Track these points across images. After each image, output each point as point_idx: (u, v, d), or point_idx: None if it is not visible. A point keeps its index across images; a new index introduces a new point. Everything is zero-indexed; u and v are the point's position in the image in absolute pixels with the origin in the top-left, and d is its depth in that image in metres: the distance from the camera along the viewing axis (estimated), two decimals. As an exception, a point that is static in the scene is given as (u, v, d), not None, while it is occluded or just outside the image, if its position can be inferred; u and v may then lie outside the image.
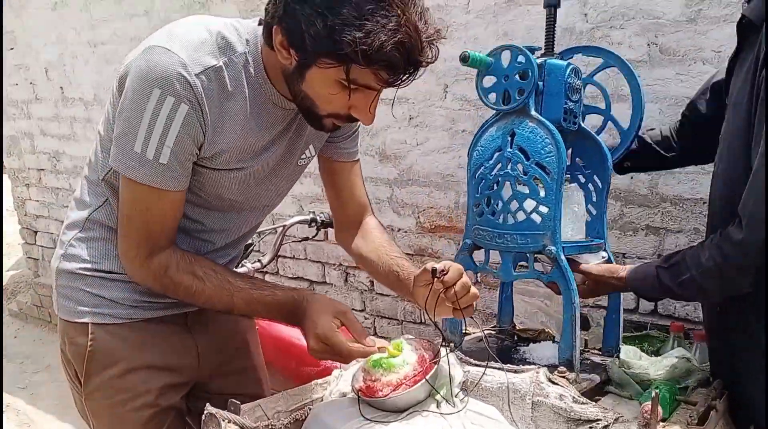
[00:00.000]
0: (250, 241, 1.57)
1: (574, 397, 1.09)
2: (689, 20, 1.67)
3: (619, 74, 1.47)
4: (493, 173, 1.27)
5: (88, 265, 1.16)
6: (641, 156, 1.47)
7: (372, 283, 2.62)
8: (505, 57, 1.27)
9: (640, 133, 1.46)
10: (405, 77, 0.95)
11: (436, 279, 1.01)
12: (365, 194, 1.36)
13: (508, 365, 1.20)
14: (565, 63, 1.27)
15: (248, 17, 1.09)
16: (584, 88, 1.35)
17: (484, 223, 1.28)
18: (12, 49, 4.06)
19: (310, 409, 1.12)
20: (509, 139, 1.25)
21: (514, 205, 1.24)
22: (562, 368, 1.17)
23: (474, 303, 1.06)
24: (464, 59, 1.20)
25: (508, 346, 1.43)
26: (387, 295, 2.57)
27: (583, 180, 1.40)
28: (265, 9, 1.00)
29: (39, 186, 4.26)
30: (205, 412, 0.99)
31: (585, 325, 1.57)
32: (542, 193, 1.21)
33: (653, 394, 0.90)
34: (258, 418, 1.04)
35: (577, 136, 1.36)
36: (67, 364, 1.22)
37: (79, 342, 1.16)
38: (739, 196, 1.04)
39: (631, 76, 1.40)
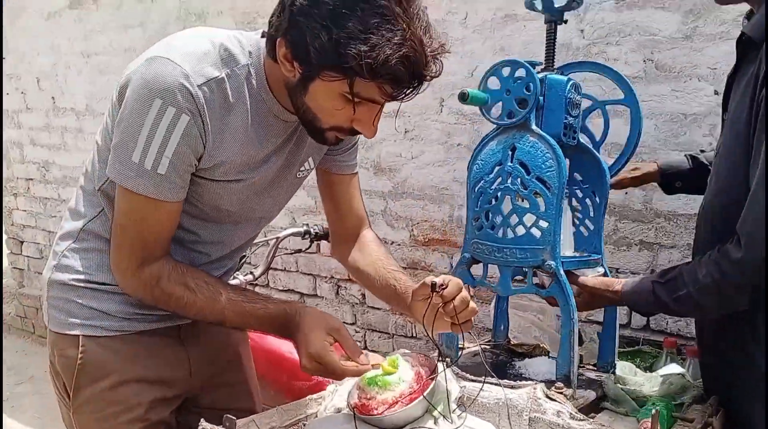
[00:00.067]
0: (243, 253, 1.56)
1: (571, 414, 1.08)
2: (685, 37, 1.69)
3: (615, 90, 1.48)
4: (493, 187, 1.27)
5: (81, 277, 1.14)
6: (696, 176, 1.43)
7: (363, 296, 2.60)
8: (506, 71, 1.27)
9: (693, 154, 1.45)
10: (409, 91, 0.95)
11: (435, 293, 1.00)
12: (363, 207, 1.35)
13: (505, 381, 1.20)
14: (565, 78, 1.28)
15: (245, 30, 1.09)
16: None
17: (483, 237, 1.28)
18: (4, 58, 4.04)
19: (304, 425, 1.11)
20: (510, 153, 1.25)
21: (514, 219, 1.23)
22: (559, 384, 1.16)
23: (472, 318, 1.05)
24: (463, 97, 1.21)
25: (503, 361, 1.42)
26: (378, 309, 2.55)
27: (580, 195, 1.40)
28: (269, 22, 0.99)
29: (27, 196, 4.22)
30: (200, 427, 0.97)
31: (578, 340, 1.56)
32: (542, 208, 1.20)
33: (653, 411, 0.89)
34: (252, 434, 1.02)
35: (576, 152, 1.36)
36: (55, 377, 1.19)
37: (69, 354, 1.14)
38: (735, 212, 1.04)
39: (629, 91, 1.40)
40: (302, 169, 1.21)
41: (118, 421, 1.14)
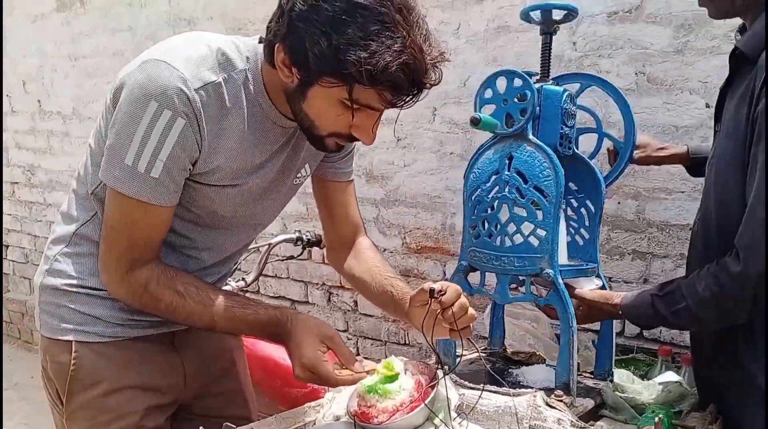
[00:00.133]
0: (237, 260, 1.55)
1: (572, 421, 1.09)
2: (677, 51, 1.72)
3: (607, 102, 1.50)
4: (490, 196, 1.27)
5: (74, 282, 1.12)
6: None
7: (355, 303, 2.60)
8: (502, 81, 1.28)
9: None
10: (408, 98, 0.96)
11: (433, 299, 0.99)
12: (359, 214, 1.35)
13: (505, 388, 1.20)
14: (561, 89, 1.29)
15: (235, 35, 1.09)
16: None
17: (481, 245, 1.28)
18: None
19: (302, 433, 1.10)
20: (507, 162, 1.25)
21: (512, 227, 1.24)
22: (558, 392, 1.17)
23: (471, 324, 1.04)
24: (475, 122, 1.21)
25: (500, 369, 1.42)
26: (371, 316, 2.55)
27: (575, 204, 1.41)
28: (267, 27, 0.99)
29: (12, 199, 4.15)
30: (199, 435, 0.96)
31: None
32: (540, 217, 1.21)
33: (656, 419, 0.90)
34: (251, 442, 1.02)
35: (571, 161, 1.37)
36: (48, 383, 1.18)
37: (62, 360, 1.12)
38: (732, 225, 1.05)
39: (623, 103, 1.42)
40: (299, 175, 1.20)
41: (112, 428, 1.13)
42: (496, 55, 2.07)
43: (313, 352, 1.01)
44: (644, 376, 1.46)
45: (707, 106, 1.68)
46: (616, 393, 1.23)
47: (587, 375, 1.39)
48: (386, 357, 1.09)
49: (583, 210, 1.40)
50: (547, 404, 1.13)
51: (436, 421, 1.04)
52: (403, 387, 1.03)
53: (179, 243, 1.13)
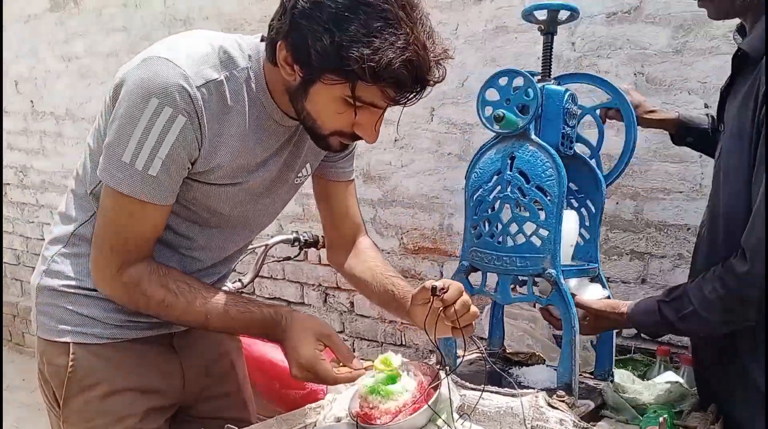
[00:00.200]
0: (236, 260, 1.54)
1: (574, 422, 1.08)
2: (675, 51, 1.72)
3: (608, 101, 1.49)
4: (492, 196, 1.27)
5: (72, 282, 1.11)
6: (709, 137, 1.44)
7: (351, 304, 2.59)
8: (504, 81, 1.28)
9: (714, 115, 1.45)
10: (412, 96, 0.95)
11: (435, 297, 0.98)
12: (359, 214, 1.34)
13: (506, 389, 1.19)
14: (563, 89, 1.29)
15: (237, 34, 1.08)
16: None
17: (483, 245, 1.28)
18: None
19: (303, 435, 1.09)
20: (509, 162, 1.25)
21: (514, 227, 1.23)
22: (560, 392, 1.17)
23: (474, 322, 1.03)
24: (498, 119, 1.20)
25: (500, 370, 1.42)
26: (367, 317, 2.54)
27: (576, 204, 1.41)
28: (269, 25, 0.98)
29: (3, 200, 4.11)
30: (201, 436, 0.95)
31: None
32: (542, 217, 1.21)
33: (660, 419, 0.90)
34: (253, 444, 1.01)
35: (571, 161, 1.37)
36: (44, 385, 1.16)
37: (59, 362, 1.11)
38: (739, 227, 1.05)
39: (624, 103, 1.42)
40: (300, 175, 1.19)
41: None
42: (494, 55, 2.07)
43: (310, 351, 1.00)
44: (642, 377, 1.46)
45: (706, 106, 1.69)
46: (617, 393, 1.23)
47: (587, 375, 1.38)
48: (397, 355, 1.08)
49: (583, 210, 1.40)
50: (549, 405, 1.13)
51: (439, 422, 1.03)
52: (406, 388, 1.03)
53: (179, 243, 1.12)
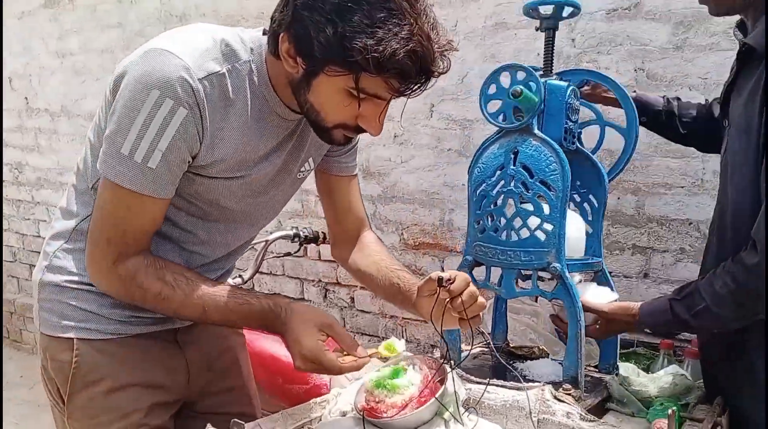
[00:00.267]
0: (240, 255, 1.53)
1: (581, 415, 1.09)
2: (676, 48, 1.73)
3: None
4: (495, 190, 1.27)
5: (75, 278, 1.10)
6: (662, 118, 1.47)
7: (352, 299, 2.59)
8: (507, 75, 1.28)
9: (670, 98, 1.48)
10: (416, 87, 0.94)
11: (441, 288, 0.97)
12: (363, 209, 1.34)
13: (512, 383, 1.20)
14: (565, 84, 1.29)
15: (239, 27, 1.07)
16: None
17: (486, 239, 1.28)
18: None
19: (309, 429, 1.09)
20: (512, 156, 1.25)
21: (518, 222, 1.23)
22: (567, 385, 1.17)
23: (481, 313, 1.03)
24: (516, 95, 1.20)
25: (504, 364, 1.42)
26: (367, 312, 2.54)
27: (578, 199, 1.41)
28: (271, 17, 0.98)
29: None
30: (206, 431, 0.95)
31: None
32: (546, 211, 1.21)
33: (669, 411, 0.90)
34: (259, 438, 1.00)
35: (574, 156, 1.37)
36: (48, 382, 1.15)
37: (63, 358, 1.10)
38: (748, 221, 1.05)
39: (625, 99, 1.42)
40: (302, 169, 1.19)
41: (116, 427, 1.11)
42: (493, 51, 2.07)
43: (313, 342, 0.99)
44: (646, 370, 1.46)
45: (706, 101, 1.69)
46: (622, 386, 1.24)
47: (591, 369, 1.39)
48: (403, 347, 1.07)
49: (586, 205, 1.40)
50: (556, 398, 1.13)
51: (446, 415, 1.03)
52: (412, 382, 1.02)
53: (182, 238, 1.11)
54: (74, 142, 3.52)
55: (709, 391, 1.26)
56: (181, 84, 0.92)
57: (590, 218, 1.40)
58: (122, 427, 1.11)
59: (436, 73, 0.94)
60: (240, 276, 1.93)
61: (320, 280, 2.66)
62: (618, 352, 1.36)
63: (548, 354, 1.45)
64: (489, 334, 1.53)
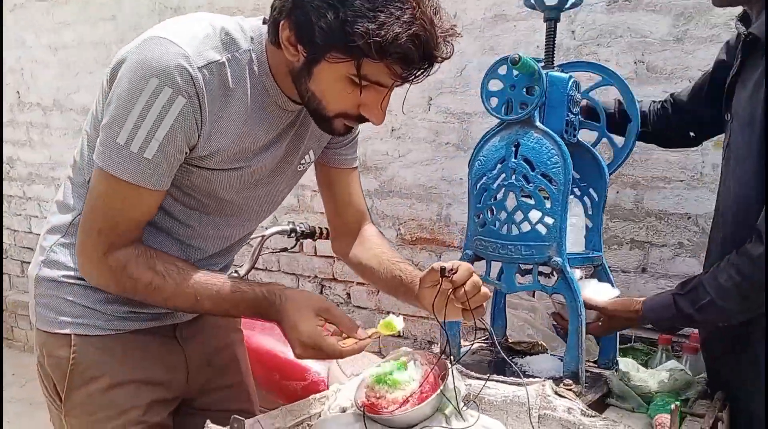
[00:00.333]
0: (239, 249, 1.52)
1: (582, 410, 1.08)
2: (676, 40, 1.72)
3: (606, 91, 1.49)
4: (496, 184, 1.26)
5: (72, 273, 1.08)
6: (616, 123, 1.46)
7: (348, 295, 2.58)
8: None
9: (621, 101, 1.47)
10: (419, 72, 0.92)
11: (444, 278, 0.96)
12: (363, 202, 1.32)
13: (512, 378, 1.19)
14: (567, 76, 1.28)
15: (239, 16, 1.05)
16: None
17: (487, 233, 1.27)
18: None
19: (309, 425, 1.08)
20: (513, 149, 1.24)
21: (519, 215, 1.22)
22: (567, 381, 1.16)
23: (484, 303, 1.00)
24: (515, 62, 1.17)
25: (503, 360, 1.41)
26: (364, 308, 2.53)
27: (578, 193, 1.40)
28: (272, 5, 0.96)
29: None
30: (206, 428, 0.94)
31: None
32: (548, 204, 1.20)
33: (672, 406, 0.89)
34: (259, 435, 0.99)
35: (574, 149, 1.36)
36: (45, 379, 1.13)
37: (60, 354, 1.08)
38: (752, 213, 1.04)
39: (626, 91, 1.41)
40: (303, 161, 1.17)
41: (114, 425, 1.09)
42: (493, 44, 2.06)
43: (311, 328, 0.97)
44: (644, 366, 1.46)
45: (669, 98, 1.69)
46: (622, 382, 1.23)
47: (590, 364, 1.38)
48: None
49: (586, 199, 1.40)
50: (557, 393, 1.12)
51: (447, 411, 1.02)
52: (413, 377, 1.01)
53: (181, 231, 1.09)
54: (66, 136, 3.49)
55: (712, 384, 1.25)
56: (180, 72, 0.91)
57: (590, 212, 1.39)
58: (120, 424, 1.09)
59: (439, 58, 0.92)
60: (236, 271, 1.92)
61: (316, 276, 2.64)
62: (617, 347, 1.36)
63: (547, 349, 1.44)
64: (490, 328, 1.53)
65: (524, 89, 1.23)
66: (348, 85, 0.93)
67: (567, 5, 1.32)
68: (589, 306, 1.23)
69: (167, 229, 1.08)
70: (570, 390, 1.14)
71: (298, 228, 1.99)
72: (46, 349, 1.10)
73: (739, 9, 1.22)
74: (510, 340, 1.52)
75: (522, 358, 1.40)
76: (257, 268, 2.80)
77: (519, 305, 1.86)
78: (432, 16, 0.89)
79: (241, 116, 1.00)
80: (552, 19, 1.35)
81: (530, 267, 1.26)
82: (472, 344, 1.37)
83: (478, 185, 1.29)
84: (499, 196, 1.25)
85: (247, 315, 1.06)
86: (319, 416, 1.12)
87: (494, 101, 1.28)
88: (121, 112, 0.92)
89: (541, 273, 1.25)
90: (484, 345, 1.51)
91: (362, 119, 1.00)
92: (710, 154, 1.71)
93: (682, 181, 1.77)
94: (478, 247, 1.29)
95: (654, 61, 1.77)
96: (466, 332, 1.25)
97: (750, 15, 1.18)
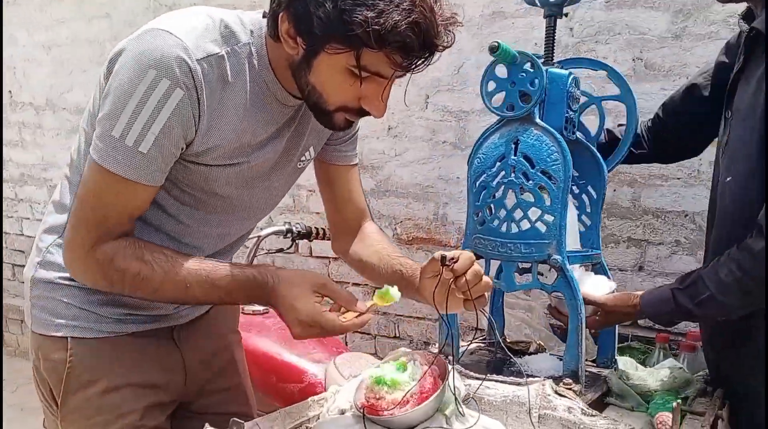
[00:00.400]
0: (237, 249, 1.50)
1: (582, 410, 1.07)
2: (674, 37, 1.72)
3: (604, 88, 1.49)
4: (495, 181, 1.25)
5: (68, 274, 1.05)
6: (609, 150, 1.45)
7: (345, 296, 2.56)
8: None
9: (610, 128, 1.46)
10: (419, 62, 0.91)
11: (445, 267, 0.94)
12: (363, 199, 1.31)
13: (512, 378, 1.18)
14: (567, 72, 1.27)
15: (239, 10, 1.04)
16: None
17: (486, 232, 1.26)
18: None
19: (307, 428, 1.07)
20: (513, 146, 1.23)
21: (519, 213, 1.22)
22: (567, 380, 1.16)
23: (486, 294, 0.98)
24: (493, 49, 1.16)
25: (502, 359, 1.40)
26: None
27: (577, 191, 1.40)
28: None
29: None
30: (204, 431, 0.92)
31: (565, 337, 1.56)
32: (547, 202, 1.19)
33: (674, 404, 0.89)
34: (257, 438, 0.98)
35: (573, 146, 1.35)
36: (40, 383, 1.11)
37: (56, 358, 1.06)
38: (754, 210, 1.04)
39: (625, 88, 1.41)
40: (303, 158, 1.16)
41: (111, 428, 1.08)
42: (491, 41, 2.04)
43: (309, 305, 0.95)
44: (642, 364, 1.45)
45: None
46: (621, 380, 1.22)
47: (588, 363, 1.37)
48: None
49: (584, 196, 1.39)
50: (557, 393, 1.11)
51: (447, 411, 1.01)
52: (412, 378, 1.01)
53: (178, 230, 1.07)
54: (59, 136, 3.45)
55: (713, 379, 1.25)
56: (178, 64, 0.89)
57: (588, 210, 1.38)
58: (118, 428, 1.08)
59: (440, 47, 0.91)
60: (232, 272, 1.90)
61: (313, 276, 2.63)
62: (616, 346, 1.35)
63: (545, 349, 1.44)
64: (484, 330, 1.52)
65: (524, 86, 1.23)
66: (348, 76, 0.92)
67: (567, 1, 1.31)
68: (587, 301, 1.22)
69: (164, 227, 1.06)
70: (570, 389, 1.13)
71: (294, 228, 1.98)
72: (42, 353, 1.08)
73: (741, 6, 1.22)
74: (508, 340, 1.51)
75: (520, 357, 1.39)
76: (253, 268, 2.79)
77: (516, 305, 1.85)
78: (432, 4, 0.87)
79: (239, 110, 0.99)
80: (552, 15, 1.34)
81: (529, 265, 1.25)
82: (469, 343, 1.36)
83: (477, 183, 1.28)
84: (499, 193, 1.25)
85: (241, 300, 1.04)
86: (318, 418, 1.11)
87: (494, 98, 1.27)
88: (118, 104, 0.90)
89: (540, 272, 1.24)
90: (483, 345, 1.50)
91: (363, 112, 0.98)
92: (708, 151, 1.70)
93: (679, 178, 1.77)
94: (477, 245, 1.28)
95: (652, 58, 1.76)
96: (463, 333, 1.24)
97: (754, 11, 1.18)
